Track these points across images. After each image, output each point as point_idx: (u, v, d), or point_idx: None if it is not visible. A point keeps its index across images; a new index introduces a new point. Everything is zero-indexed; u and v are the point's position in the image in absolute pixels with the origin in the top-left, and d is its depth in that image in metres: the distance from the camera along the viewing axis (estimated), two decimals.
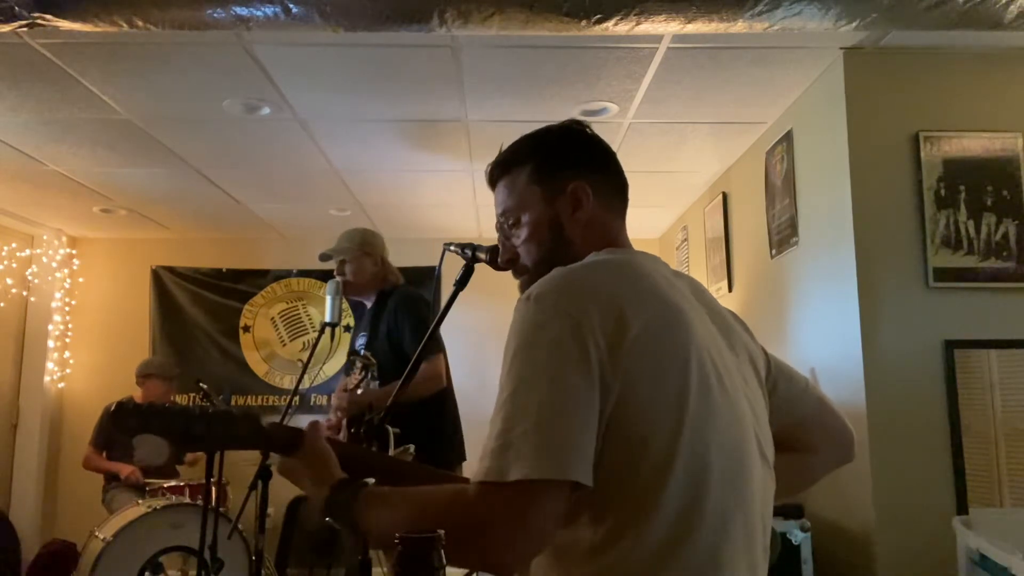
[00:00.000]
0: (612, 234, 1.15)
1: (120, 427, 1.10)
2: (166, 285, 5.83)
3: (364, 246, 3.03)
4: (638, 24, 2.15)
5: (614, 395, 0.89)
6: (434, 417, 2.81)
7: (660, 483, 0.90)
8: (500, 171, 1.18)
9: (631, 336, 0.91)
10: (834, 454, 1.26)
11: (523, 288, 1.14)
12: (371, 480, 1.03)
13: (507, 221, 1.17)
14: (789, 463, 1.14)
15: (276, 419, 1.44)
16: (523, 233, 1.14)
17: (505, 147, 1.19)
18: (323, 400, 5.58)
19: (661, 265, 1.11)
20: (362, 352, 3.02)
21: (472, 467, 0.92)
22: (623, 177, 1.19)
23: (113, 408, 1.10)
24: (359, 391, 2.76)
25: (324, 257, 3.09)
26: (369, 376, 2.81)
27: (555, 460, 0.85)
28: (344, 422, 2.78)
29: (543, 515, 0.85)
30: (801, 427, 1.20)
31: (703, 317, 1.05)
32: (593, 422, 0.88)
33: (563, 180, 1.13)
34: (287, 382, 5.77)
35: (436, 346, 2.83)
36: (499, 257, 1.21)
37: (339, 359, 4.95)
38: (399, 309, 2.92)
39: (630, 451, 0.90)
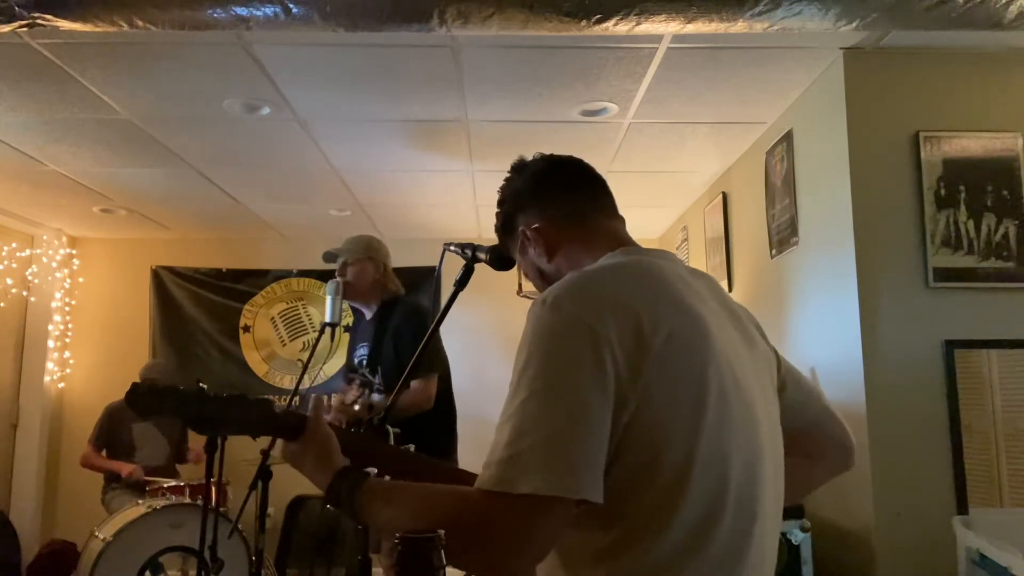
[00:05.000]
0: (598, 241, 1.13)
1: (135, 408, 1.12)
2: (166, 285, 5.83)
3: (369, 251, 3.03)
4: (638, 24, 2.15)
5: (631, 408, 0.87)
6: (434, 419, 2.80)
7: (676, 495, 0.88)
8: (498, 236, 1.30)
9: (650, 348, 0.89)
10: (834, 462, 1.25)
11: None
12: (373, 470, 1.04)
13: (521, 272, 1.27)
14: (789, 468, 1.13)
15: None
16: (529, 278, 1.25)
17: None
18: (323, 400, 5.58)
19: (678, 265, 1.09)
20: (363, 366, 2.99)
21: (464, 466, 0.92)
22: (586, 183, 1.21)
23: (129, 389, 1.11)
24: (356, 407, 2.78)
25: (328, 256, 3.08)
26: (367, 394, 2.83)
27: (566, 477, 0.83)
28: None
29: (549, 529, 0.85)
30: (805, 432, 1.20)
31: (723, 320, 1.03)
32: (605, 437, 0.86)
33: (516, 227, 1.21)
34: (287, 382, 5.77)
35: (434, 366, 2.80)
36: None
37: (339, 359, 4.94)
38: (406, 324, 2.90)
39: (645, 463, 0.88)
